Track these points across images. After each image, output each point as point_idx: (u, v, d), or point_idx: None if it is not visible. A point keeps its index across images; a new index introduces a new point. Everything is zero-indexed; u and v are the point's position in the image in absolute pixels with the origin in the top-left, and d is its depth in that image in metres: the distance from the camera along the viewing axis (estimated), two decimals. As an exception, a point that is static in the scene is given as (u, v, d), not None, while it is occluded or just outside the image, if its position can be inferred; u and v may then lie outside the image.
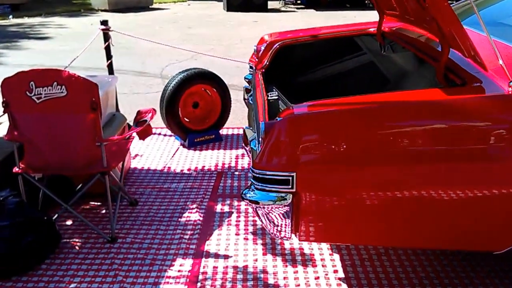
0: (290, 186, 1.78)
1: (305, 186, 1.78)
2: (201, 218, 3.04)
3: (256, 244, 2.76)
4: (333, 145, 1.77)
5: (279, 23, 11.89)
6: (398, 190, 1.80)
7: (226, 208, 3.16)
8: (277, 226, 1.89)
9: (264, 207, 1.84)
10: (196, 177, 3.61)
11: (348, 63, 3.49)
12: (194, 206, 3.19)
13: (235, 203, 3.22)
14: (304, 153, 1.76)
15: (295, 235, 1.91)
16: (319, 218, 1.87)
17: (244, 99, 3.32)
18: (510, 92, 1.79)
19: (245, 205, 3.16)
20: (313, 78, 3.52)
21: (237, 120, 4.84)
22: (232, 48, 8.74)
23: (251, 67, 3.43)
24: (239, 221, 3.01)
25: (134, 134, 2.93)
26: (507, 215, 1.88)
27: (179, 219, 3.03)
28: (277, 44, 3.23)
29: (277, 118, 1.87)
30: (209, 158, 3.95)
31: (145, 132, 2.93)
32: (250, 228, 2.92)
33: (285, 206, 1.81)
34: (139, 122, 2.98)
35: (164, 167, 3.80)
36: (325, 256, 2.61)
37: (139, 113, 3.06)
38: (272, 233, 1.93)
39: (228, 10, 14.23)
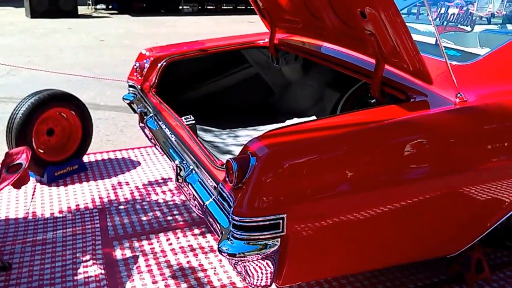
0: (280, 230, 1.56)
1: (296, 225, 1.58)
2: (102, 271, 2.55)
3: (181, 289, 2.43)
4: (321, 174, 1.61)
5: (98, 30, 11.10)
6: (381, 211, 1.73)
7: (128, 253, 2.72)
8: (257, 275, 1.65)
9: (247, 259, 1.58)
10: (74, 220, 3.05)
11: (235, 76, 3.35)
12: (88, 257, 2.68)
13: (136, 244, 2.80)
14: (292, 189, 1.57)
15: (278, 281, 1.70)
16: (309, 256, 1.70)
17: (141, 125, 2.90)
18: (458, 104, 1.86)
19: (149, 244, 2.78)
20: (200, 94, 3.29)
21: (96, 144, 4.28)
22: (52, 59, 7.81)
23: (131, 86, 3.03)
24: (150, 265, 2.62)
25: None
26: (458, 221, 1.97)
27: (75, 277, 2.50)
28: (164, 61, 2.91)
29: (247, 153, 1.62)
30: (81, 194, 3.39)
31: (22, 179, 2.34)
32: (167, 272, 2.56)
33: (271, 253, 1.59)
34: (11, 167, 2.37)
35: (27, 213, 3.13)
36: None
37: (8, 155, 2.44)
38: (251, 283, 1.68)
39: (32, 16, 12.73)
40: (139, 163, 3.88)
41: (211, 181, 1.85)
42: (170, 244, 2.80)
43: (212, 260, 2.64)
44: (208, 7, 16.16)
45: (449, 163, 1.82)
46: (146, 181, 3.56)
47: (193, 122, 2.48)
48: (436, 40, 2.82)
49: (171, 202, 3.25)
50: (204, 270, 2.57)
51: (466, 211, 1.92)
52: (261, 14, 2.91)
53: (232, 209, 1.58)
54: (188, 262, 2.64)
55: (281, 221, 1.55)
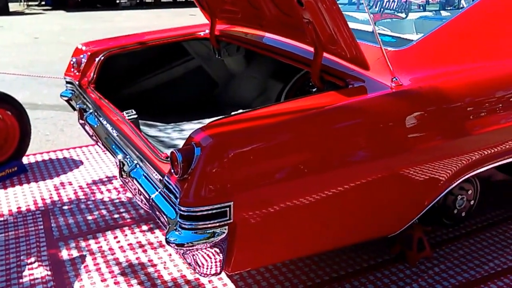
0: (227, 218, 1.57)
1: (242, 212, 1.60)
2: (48, 272, 2.48)
3: (132, 285, 2.40)
4: (263, 161, 1.63)
5: (32, 27, 10.64)
6: (324, 195, 1.79)
7: (75, 253, 2.65)
8: (207, 263, 1.66)
9: (193, 249, 1.59)
10: (17, 223, 2.93)
11: (177, 69, 3.32)
12: (32, 259, 2.59)
13: (83, 243, 2.73)
14: (237, 177, 1.58)
15: (227, 268, 1.71)
16: (257, 242, 1.72)
17: (81, 122, 2.81)
18: (394, 88, 1.93)
19: (96, 242, 2.72)
20: (142, 88, 3.23)
21: (35, 144, 4.12)
22: (-15, 58, 7.44)
23: (69, 82, 2.94)
24: (98, 263, 2.56)
25: None
26: (397, 202, 2.06)
27: (21, 280, 2.42)
28: (102, 55, 2.84)
29: (191, 143, 1.62)
30: (22, 196, 3.26)
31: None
32: (116, 269, 2.52)
33: (219, 241, 1.60)
34: None
35: (-36, 218, 2.98)
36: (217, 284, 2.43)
37: None
38: (201, 273, 1.68)
39: (-43, 14, 12.03)
40: (81, 162, 3.77)
41: (156, 174, 1.84)
42: (118, 241, 2.75)
43: (162, 255, 2.62)
44: (147, 0, 15.85)
45: (386, 145, 1.89)
46: (89, 180, 3.47)
47: (135, 116, 2.44)
48: (374, 25, 2.93)
49: (117, 200, 3.19)
50: (154, 265, 2.54)
51: (404, 191, 2.01)
52: (200, 5, 2.90)
53: (178, 199, 1.58)
54: (137, 258, 2.60)
55: (228, 209, 1.57)
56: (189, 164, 1.58)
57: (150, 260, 2.59)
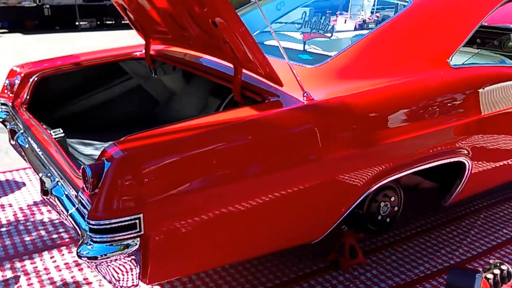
0: (138, 230, 1.63)
1: (154, 224, 1.66)
2: (-20, 295, 2.47)
3: (64, 304, 2.41)
4: (174, 174, 1.70)
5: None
6: (241, 203, 1.86)
7: (9, 274, 2.64)
8: (123, 276, 1.70)
9: (106, 262, 1.63)
10: (-49, 247, 2.90)
11: (116, 88, 3.36)
12: (-36, 283, 2.57)
13: (18, 264, 2.72)
14: (147, 190, 1.64)
15: (144, 280, 1.76)
16: (173, 253, 1.77)
17: (12, 143, 2.82)
18: (306, 103, 2.04)
19: (31, 263, 2.71)
20: (79, 108, 3.26)
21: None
22: None
23: (3, 104, 2.95)
24: (32, 283, 2.55)
25: None
26: (314, 210, 2.15)
27: (-51, 305, 2.39)
28: (35, 76, 2.87)
29: (102, 159, 1.67)
30: (-42, 220, 3.22)
31: None
32: (50, 289, 2.52)
33: (132, 252, 1.65)
34: None
35: None
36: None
37: None
38: (118, 285, 1.72)
39: None
40: (24, 184, 3.75)
41: (73, 191, 1.88)
42: (54, 261, 2.75)
43: (97, 273, 2.63)
44: (107, 22, 15.81)
45: (298, 155, 1.99)
46: (31, 201, 3.45)
47: (62, 135, 2.48)
48: (304, 45, 3.06)
49: (57, 220, 3.19)
50: (89, 283, 2.56)
51: (320, 199, 2.10)
52: (134, 26, 2.98)
53: (87, 213, 1.62)
54: (72, 277, 2.61)
55: (137, 221, 1.62)
56: (99, 179, 1.63)
57: (85, 278, 2.60)
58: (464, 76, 2.46)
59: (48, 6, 14.50)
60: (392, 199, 2.57)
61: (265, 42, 3.21)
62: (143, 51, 3.13)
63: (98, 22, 15.48)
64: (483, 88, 2.50)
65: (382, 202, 2.53)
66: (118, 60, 3.21)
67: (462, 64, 2.54)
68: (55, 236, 3.01)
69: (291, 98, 2.07)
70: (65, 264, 2.73)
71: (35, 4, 14.51)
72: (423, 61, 2.40)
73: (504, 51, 4.07)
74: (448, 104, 2.38)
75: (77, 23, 14.80)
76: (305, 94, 2.05)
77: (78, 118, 3.22)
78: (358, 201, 2.23)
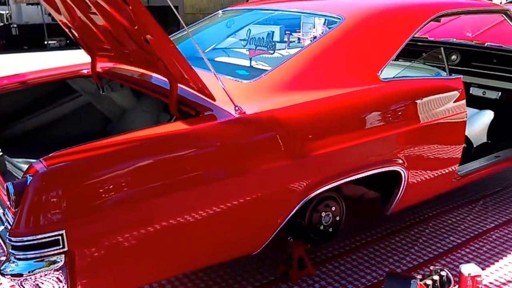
0: (61, 246, 1.63)
1: (78, 240, 1.66)
2: None
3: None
4: (99, 190, 1.71)
5: None
6: (174, 217, 1.88)
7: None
8: (50, 294, 1.70)
9: (31, 278, 1.63)
10: None
11: (66, 106, 3.37)
12: None
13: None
14: (69, 206, 1.65)
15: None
16: (102, 268, 1.78)
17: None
18: (238, 116, 2.09)
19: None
20: (27, 127, 3.25)
21: None
22: None
23: None
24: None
25: None
26: (249, 222, 2.19)
27: None
28: (-23, 96, 2.87)
29: (26, 176, 1.69)
30: None
31: None
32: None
33: (58, 269, 1.65)
34: None
35: None
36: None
37: None
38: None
39: None
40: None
41: (0, 209, 1.88)
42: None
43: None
44: None
45: (229, 168, 2.03)
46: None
47: (0, 154, 2.47)
48: (251, 60, 3.13)
49: None
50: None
51: (254, 211, 2.14)
52: (79, 44, 3.00)
53: (8, 230, 1.63)
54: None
55: (60, 238, 1.63)
56: (22, 195, 1.64)
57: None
58: (394, 89, 2.55)
59: (15, 25, 14.41)
60: (334, 209, 2.62)
61: (216, 59, 3.28)
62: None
63: (68, 41, 15.40)
64: (413, 100, 2.60)
65: (324, 212, 2.58)
66: (66, 78, 3.22)
67: (393, 77, 2.63)
68: None
69: (224, 112, 2.11)
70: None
71: (2, 24, 14.40)
72: (354, 75, 2.49)
73: (447, 64, 4.23)
74: (379, 116, 2.47)
75: (46, 42, 14.70)
76: (236, 108, 2.10)
77: (26, 137, 3.21)
78: (294, 211, 2.27)
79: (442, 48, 3.03)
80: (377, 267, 2.96)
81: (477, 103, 3.94)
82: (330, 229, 2.64)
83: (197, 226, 2.01)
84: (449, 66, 4.21)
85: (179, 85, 2.23)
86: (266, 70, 2.45)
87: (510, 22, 3.43)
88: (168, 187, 1.88)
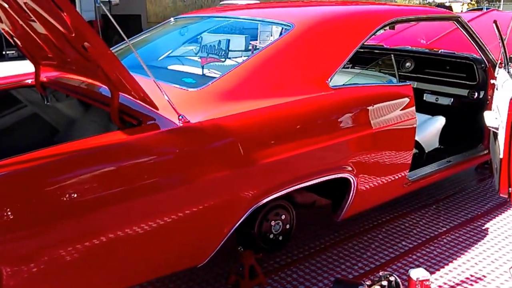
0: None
1: (6, 260, 1.59)
2: None
3: None
4: (25, 205, 1.65)
5: None
6: (105, 234, 1.82)
7: None
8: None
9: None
10: None
11: (10, 117, 3.24)
12: None
13: None
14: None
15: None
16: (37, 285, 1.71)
17: None
18: (181, 125, 2.05)
19: None
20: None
21: None
22: None
23: None
24: None
25: None
26: (192, 234, 2.15)
27: None
28: None
29: None
30: None
31: None
32: None
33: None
34: None
35: None
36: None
37: None
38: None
39: None
40: None
41: None
42: None
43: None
44: None
45: (172, 178, 1.99)
46: None
47: None
48: (203, 68, 3.10)
49: None
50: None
51: (199, 222, 2.11)
52: (23, 53, 2.91)
53: None
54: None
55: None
56: None
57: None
58: (342, 96, 2.57)
59: (-28, 35, 13.94)
60: (284, 217, 2.61)
61: (169, 67, 3.24)
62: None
63: (27, 50, 14.96)
64: (362, 107, 2.62)
65: (274, 221, 2.57)
66: (9, 88, 3.11)
67: (342, 84, 2.65)
68: None
69: (167, 121, 2.07)
70: None
71: (-42, 33, 13.91)
72: (303, 82, 2.49)
73: (397, 71, 4.31)
74: (327, 123, 2.48)
75: (4, 52, 14.28)
76: (180, 117, 2.06)
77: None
78: (241, 221, 2.24)
79: (392, 55, 3.07)
80: (329, 274, 2.96)
81: (430, 109, 4.03)
82: (280, 238, 2.63)
83: (138, 239, 1.96)
84: (404, 73, 4.30)
85: (121, 94, 2.18)
86: (214, 78, 2.42)
87: (462, 29, 3.51)
88: (108, 199, 1.83)
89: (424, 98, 4.17)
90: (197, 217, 2.09)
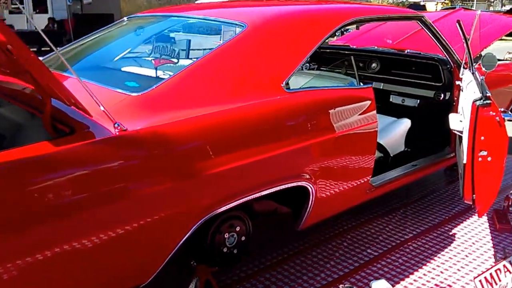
0: None
1: None
2: None
3: None
4: None
5: None
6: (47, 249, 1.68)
7: None
8: None
9: None
10: None
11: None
12: None
13: None
14: None
15: None
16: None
17: None
18: (117, 134, 1.88)
19: None
20: None
21: None
22: None
23: None
24: None
25: None
26: (139, 248, 1.98)
27: None
28: None
29: None
30: None
31: None
32: None
33: None
34: None
35: None
36: None
37: None
38: None
39: None
40: None
41: None
42: None
43: None
44: (32, 49, 14.92)
45: (107, 192, 1.82)
46: None
47: None
48: (156, 70, 2.92)
49: None
50: None
51: (140, 238, 1.95)
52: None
53: None
54: None
55: None
56: None
57: None
58: (298, 100, 2.42)
59: None
60: (238, 229, 2.46)
61: (122, 68, 3.06)
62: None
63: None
64: (319, 112, 2.49)
65: (227, 233, 2.42)
66: None
67: (299, 88, 2.51)
68: None
69: (102, 129, 1.90)
70: None
71: None
72: (256, 86, 2.34)
73: (368, 73, 4.20)
74: (281, 129, 2.33)
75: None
76: (115, 125, 1.89)
77: None
78: (188, 235, 2.08)
79: (352, 56, 2.93)
80: (290, 286, 2.83)
81: (397, 111, 3.93)
82: (235, 251, 2.48)
83: (74, 258, 1.81)
84: (370, 74, 4.19)
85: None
86: (160, 81, 2.25)
87: (425, 29, 3.40)
88: (35, 216, 1.66)
89: (391, 100, 4.07)
90: (136, 232, 1.92)
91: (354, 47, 4.49)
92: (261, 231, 2.65)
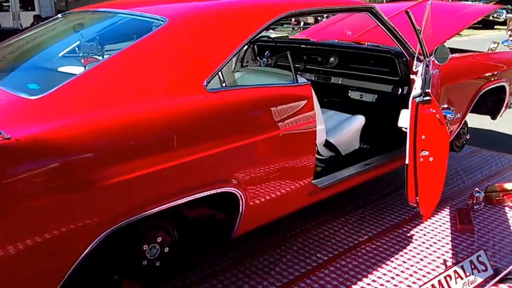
0: None
1: None
2: None
3: None
4: None
5: None
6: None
7: None
8: None
9: None
10: None
11: None
12: None
13: None
14: None
15: None
16: None
17: None
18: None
19: None
20: None
21: None
22: None
23: None
24: None
25: None
26: (39, 266, 1.82)
27: None
28: None
29: None
30: None
31: None
32: None
33: None
34: None
35: None
36: None
37: None
38: None
39: None
40: None
41: None
42: None
43: None
44: None
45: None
46: None
47: None
48: (85, 68, 2.72)
49: None
50: None
51: (26, 256, 1.77)
52: None
53: None
54: None
55: None
56: None
57: None
58: (221, 100, 2.23)
59: None
60: (160, 239, 2.29)
61: (59, 69, 2.86)
62: None
63: None
64: (245, 112, 2.31)
65: (146, 245, 2.24)
66: None
67: (223, 87, 2.31)
68: None
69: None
70: None
71: None
72: (174, 85, 2.15)
73: (327, 67, 4.02)
74: (202, 131, 2.15)
75: None
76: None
77: None
78: (90, 248, 1.90)
79: (288, 52, 2.73)
80: (235, 295, 2.66)
81: (355, 106, 3.75)
82: (157, 263, 2.30)
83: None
84: (328, 69, 4.00)
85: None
86: (63, 82, 2.05)
87: (376, 21, 3.21)
88: None
89: (349, 95, 3.89)
90: (24, 251, 1.75)
91: (314, 40, 4.30)
92: (197, 240, 2.47)
